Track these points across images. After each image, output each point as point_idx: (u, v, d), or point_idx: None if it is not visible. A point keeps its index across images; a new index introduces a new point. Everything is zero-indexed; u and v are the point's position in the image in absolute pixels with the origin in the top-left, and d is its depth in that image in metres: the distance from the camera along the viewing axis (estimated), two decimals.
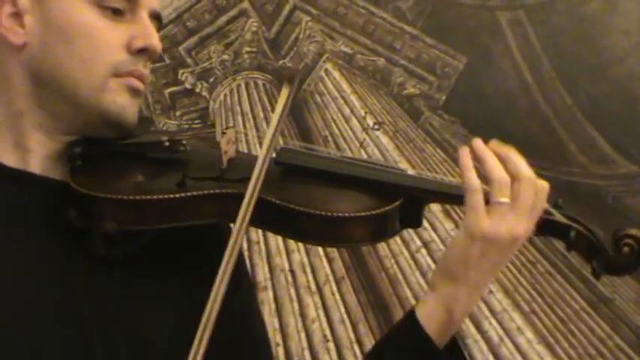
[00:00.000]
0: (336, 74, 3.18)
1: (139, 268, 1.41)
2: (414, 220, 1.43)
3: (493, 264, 1.38)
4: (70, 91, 1.40)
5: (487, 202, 1.37)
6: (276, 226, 1.40)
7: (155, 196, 1.37)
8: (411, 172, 1.47)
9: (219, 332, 1.26)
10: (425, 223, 2.94)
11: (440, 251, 2.95)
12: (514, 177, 1.37)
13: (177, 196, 1.37)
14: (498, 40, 3.09)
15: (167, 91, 3.22)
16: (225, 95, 3.22)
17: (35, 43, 1.41)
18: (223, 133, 1.44)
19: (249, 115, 3.19)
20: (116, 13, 1.42)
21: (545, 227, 1.41)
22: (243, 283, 1.54)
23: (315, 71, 3.17)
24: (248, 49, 3.22)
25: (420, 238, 3.00)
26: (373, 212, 1.37)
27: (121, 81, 1.41)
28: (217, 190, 1.38)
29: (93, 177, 1.40)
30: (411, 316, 1.42)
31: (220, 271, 1.28)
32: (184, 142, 1.44)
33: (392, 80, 3.17)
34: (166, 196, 1.37)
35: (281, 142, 1.49)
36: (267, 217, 1.37)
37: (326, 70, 3.18)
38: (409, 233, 3.03)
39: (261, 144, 1.40)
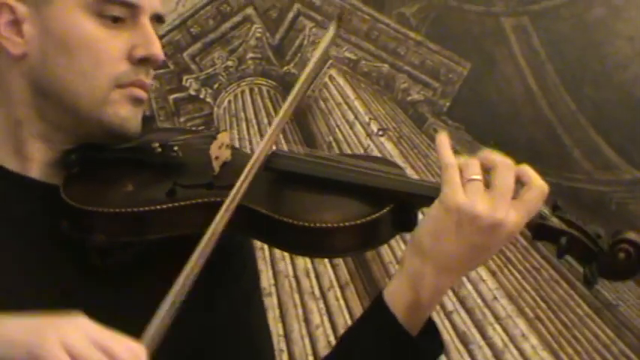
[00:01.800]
0: (340, 80, 3.18)
1: (136, 275, 1.40)
2: (407, 225, 1.39)
3: (469, 246, 1.32)
4: (71, 104, 1.39)
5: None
6: (266, 236, 1.36)
7: (144, 208, 1.35)
8: (408, 174, 1.43)
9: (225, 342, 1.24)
10: None
11: None
12: (492, 164, 1.34)
13: (165, 207, 1.35)
14: (502, 47, 3.09)
15: (171, 97, 3.22)
16: (230, 101, 3.22)
17: (35, 53, 1.39)
18: (214, 138, 1.41)
19: (254, 122, 3.19)
20: (116, 20, 1.40)
21: (538, 232, 1.37)
22: (254, 294, 1.53)
23: (319, 77, 3.17)
24: (252, 55, 3.22)
25: None
26: (360, 221, 1.33)
27: (123, 92, 1.40)
28: (206, 199, 1.34)
29: (83, 188, 1.38)
30: (378, 295, 1.37)
31: (180, 279, 1.24)
32: (176, 147, 1.42)
33: (396, 86, 3.17)
34: (155, 208, 1.35)
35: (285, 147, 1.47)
36: (254, 227, 1.34)
37: (330, 76, 3.18)
38: None
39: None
